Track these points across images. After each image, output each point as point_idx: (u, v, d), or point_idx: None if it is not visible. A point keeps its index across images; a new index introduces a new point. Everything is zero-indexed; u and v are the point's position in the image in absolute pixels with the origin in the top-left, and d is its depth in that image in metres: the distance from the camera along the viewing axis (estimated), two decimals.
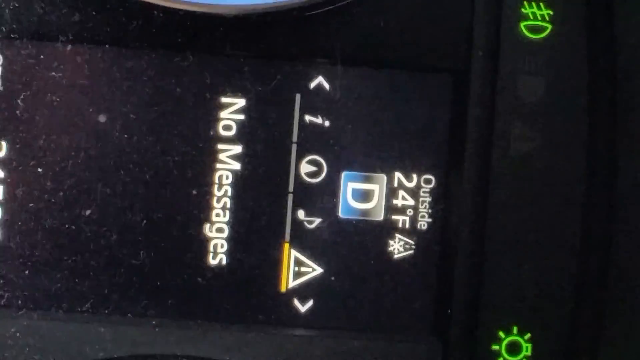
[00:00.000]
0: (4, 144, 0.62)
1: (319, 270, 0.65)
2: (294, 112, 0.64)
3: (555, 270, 0.65)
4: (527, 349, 0.64)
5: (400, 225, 0.66)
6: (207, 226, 0.64)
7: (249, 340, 0.63)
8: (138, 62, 0.63)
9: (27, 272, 0.63)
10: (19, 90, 0.62)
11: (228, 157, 0.64)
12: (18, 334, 0.61)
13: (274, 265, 0.65)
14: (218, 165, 0.64)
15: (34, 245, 0.63)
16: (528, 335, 0.64)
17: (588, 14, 0.65)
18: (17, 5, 0.61)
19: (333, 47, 0.63)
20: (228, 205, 0.64)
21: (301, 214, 0.65)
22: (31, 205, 0.63)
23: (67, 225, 0.63)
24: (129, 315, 0.64)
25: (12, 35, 0.61)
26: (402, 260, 0.66)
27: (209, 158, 0.64)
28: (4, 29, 0.61)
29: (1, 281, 0.63)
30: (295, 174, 0.65)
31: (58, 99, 0.62)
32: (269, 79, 0.64)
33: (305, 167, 0.65)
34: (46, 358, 0.62)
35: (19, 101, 0.62)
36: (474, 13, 0.64)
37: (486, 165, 0.64)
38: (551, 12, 0.63)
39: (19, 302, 0.63)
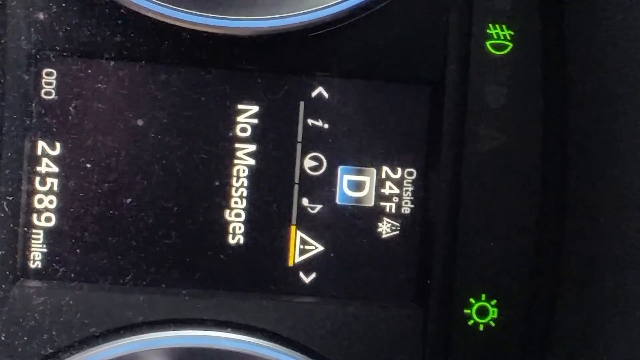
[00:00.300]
0: (58, 144, 0.65)
1: (320, 248, 0.68)
2: (299, 116, 0.67)
3: (517, 246, 0.68)
4: (493, 312, 0.67)
5: (387, 210, 0.68)
6: (227, 212, 0.67)
7: (262, 307, 0.66)
8: (169, 76, 0.66)
9: (78, 250, 0.66)
10: (71, 99, 0.65)
11: (244, 154, 0.67)
12: (71, 302, 0.65)
13: (283, 244, 0.68)
14: (236, 161, 0.67)
15: (83, 228, 0.66)
16: (494, 301, 0.67)
17: (543, 34, 0.67)
18: (69, 28, 0.64)
19: (331, 62, 0.67)
20: (244, 194, 0.67)
21: (305, 201, 0.67)
22: (81, 195, 0.66)
23: (111, 212, 0.66)
24: (163, 286, 0.66)
25: (64, 54, 0.64)
26: (389, 239, 0.68)
27: (228, 155, 0.67)
28: (58, 47, 0.64)
29: (57, 258, 0.65)
30: (300, 168, 0.67)
31: (103, 107, 0.65)
32: (278, 89, 0.67)
33: (308, 162, 0.67)
34: (94, 322, 0.65)
35: (70, 108, 0.65)
36: (447, 34, 0.67)
37: (459, 160, 0.67)
38: (512, 33, 0.66)
39: (72, 275, 0.66)
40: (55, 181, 0.65)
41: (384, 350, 0.66)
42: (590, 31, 0.65)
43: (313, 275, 0.68)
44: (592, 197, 0.65)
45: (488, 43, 0.66)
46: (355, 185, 0.67)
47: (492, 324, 0.67)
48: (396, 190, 0.68)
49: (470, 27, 0.66)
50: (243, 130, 0.66)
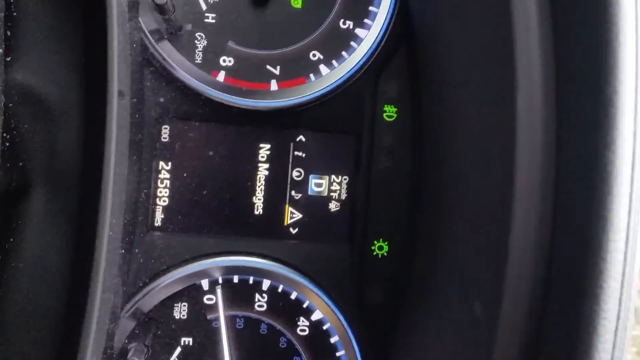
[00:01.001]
0: (170, 163, 0.89)
1: (300, 215, 0.92)
2: (290, 150, 0.90)
3: (398, 213, 0.89)
4: (386, 248, 0.91)
5: (334, 197, 0.91)
6: (254, 197, 0.91)
7: (271, 245, 0.91)
8: (226, 130, 0.90)
9: (179, 217, 0.91)
10: (176, 140, 0.89)
11: (263, 169, 0.91)
12: (176, 243, 0.90)
13: (281, 214, 0.91)
14: (258, 172, 0.91)
15: (182, 205, 0.90)
16: (387, 242, 0.91)
17: (412, 111, 0.90)
18: (175, 105, 0.88)
19: (307, 122, 0.90)
20: (263, 189, 0.91)
21: (293, 192, 0.91)
22: (181, 189, 0.90)
23: (196, 198, 0.90)
24: (222, 235, 0.90)
25: (173, 118, 0.89)
26: (336, 211, 0.92)
27: (254, 169, 0.90)
28: (170, 115, 0.88)
29: (169, 220, 0.90)
30: (290, 176, 0.91)
31: (192, 145, 0.90)
32: (280, 135, 0.90)
33: (295, 173, 0.91)
34: (188, 253, 0.89)
35: (176, 145, 0.89)
36: (364, 110, 0.90)
37: (369, 172, 0.91)
38: (396, 109, 0.90)
39: (176, 229, 0.90)
40: (168, 182, 0.90)
41: (332, 267, 0.90)
42: (434, 112, 0.85)
43: (297, 229, 0.92)
44: (435, 189, 0.83)
45: (384, 114, 0.91)
46: (317, 185, 0.91)
47: (385, 254, 0.91)
48: (338, 187, 0.91)
49: (375, 106, 0.90)
50: (262, 157, 0.91)
